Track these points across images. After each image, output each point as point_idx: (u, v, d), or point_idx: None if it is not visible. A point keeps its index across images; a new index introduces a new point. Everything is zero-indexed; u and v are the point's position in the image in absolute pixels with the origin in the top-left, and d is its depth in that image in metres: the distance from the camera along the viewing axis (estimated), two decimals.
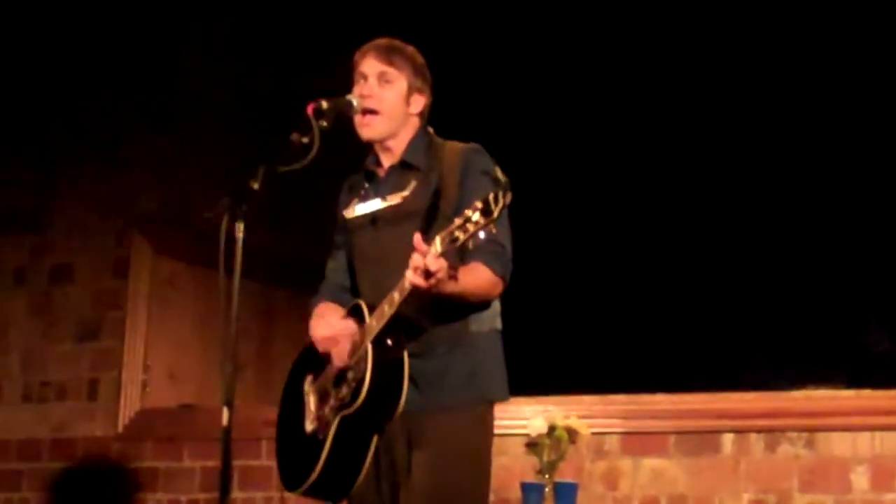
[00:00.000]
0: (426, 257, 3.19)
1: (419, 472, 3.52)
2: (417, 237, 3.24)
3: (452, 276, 3.30)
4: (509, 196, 3.11)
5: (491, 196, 3.09)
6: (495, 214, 3.09)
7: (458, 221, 3.14)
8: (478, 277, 3.44)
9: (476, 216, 3.10)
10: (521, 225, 3.65)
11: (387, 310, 3.40)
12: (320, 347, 3.63)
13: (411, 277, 3.25)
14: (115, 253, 6.69)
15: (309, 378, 3.74)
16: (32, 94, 6.96)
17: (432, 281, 3.23)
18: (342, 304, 3.74)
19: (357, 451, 3.54)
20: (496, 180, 3.14)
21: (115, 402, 6.53)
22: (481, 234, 3.12)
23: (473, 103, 7.12)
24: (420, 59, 3.76)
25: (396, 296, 3.36)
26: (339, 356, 3.57)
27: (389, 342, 3.45)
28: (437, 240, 3.18)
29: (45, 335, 6.80)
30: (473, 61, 7.40)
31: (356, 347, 3.53)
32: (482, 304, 3.57)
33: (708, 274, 7.45)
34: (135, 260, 6.64)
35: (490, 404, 3.65)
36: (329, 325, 3.61)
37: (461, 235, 3.12)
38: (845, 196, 7.24)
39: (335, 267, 3.88)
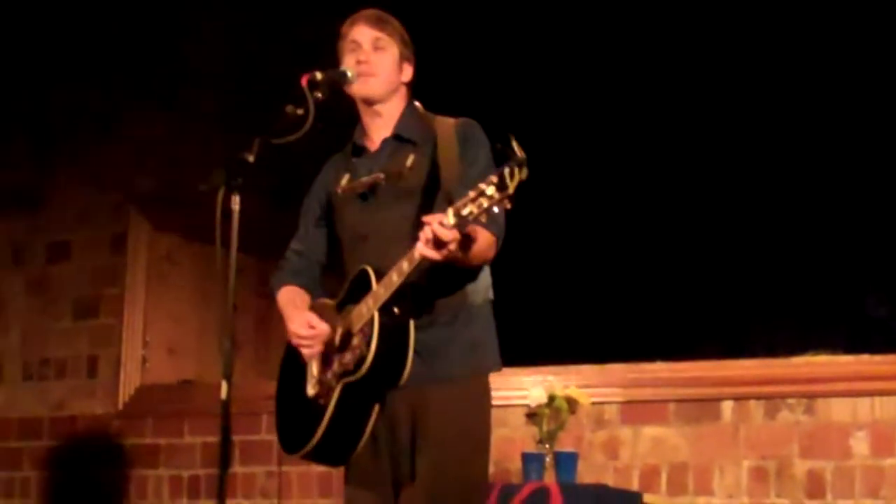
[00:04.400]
0: (437, 228, 3.17)
1: (425, 446, 3.51)
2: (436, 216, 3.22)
3: (468, 245, 3.30)
4: (525, 172, 3.07)
5: (507, 171, 3.06)
6: (511, 190, 3.06)
7: (471, 194, 3.10)
8: (479, 242, 3.42)
9: (490, 190, 3.07)
10: (517, 194, 3.63)
11: (395, 278, 3.38)
12: (293, 342, 3.65)
13: (422, 249, 3.23)
14: (112, 230, 6.69)
15: None
16: (29, 71, 6.93)
17: (444, 252, 3.22)
18: (306, 291, 3.79)
19: (358, 419, 3.53)
20: (513, 154, 3.09)
21: (114, 379, 6.54)
22: (495, 209, 3.09)
23: (469, 79, 7.12)
24: (405, 30, 3.76)
25: (405, 265, 3.35)
26: (310, 356, 3.61)
27: (396, 310, 3.44)
28: (450, 211, 3.15)
29: (44, 313, 6.80)
30: (470, 42, 7.39)
31: (331, 346, 3.55)
32: (476, 274, 3.57)
33: (706, 241, 7.44)
34: (132, 236, 6.63)
35: (487, 375, 3.65)
36: (307, 323, 3.61)
37: (475, 209, 3.09)
38: (842, 163, 7.23)
39: (303, 249, 3.87)
